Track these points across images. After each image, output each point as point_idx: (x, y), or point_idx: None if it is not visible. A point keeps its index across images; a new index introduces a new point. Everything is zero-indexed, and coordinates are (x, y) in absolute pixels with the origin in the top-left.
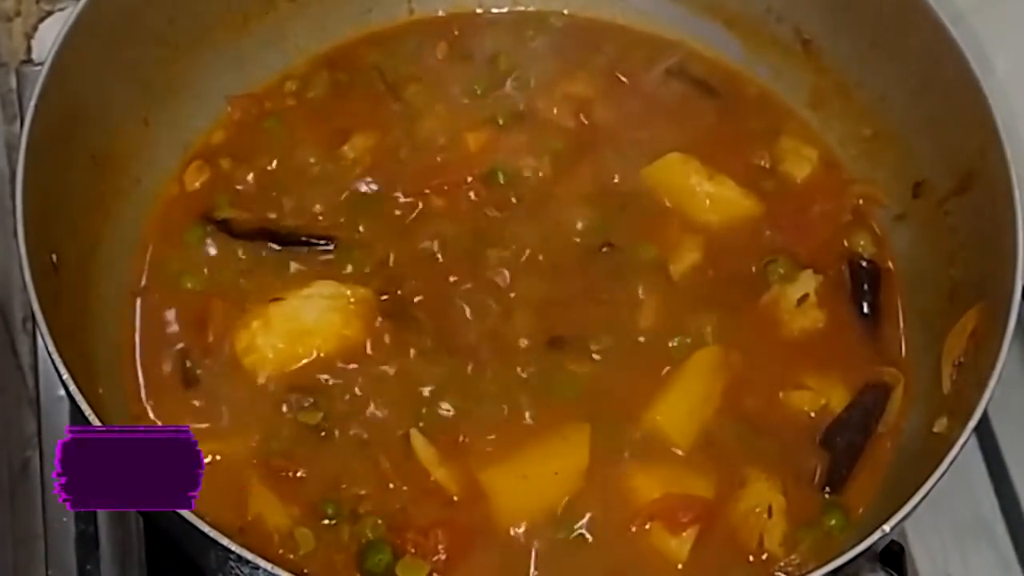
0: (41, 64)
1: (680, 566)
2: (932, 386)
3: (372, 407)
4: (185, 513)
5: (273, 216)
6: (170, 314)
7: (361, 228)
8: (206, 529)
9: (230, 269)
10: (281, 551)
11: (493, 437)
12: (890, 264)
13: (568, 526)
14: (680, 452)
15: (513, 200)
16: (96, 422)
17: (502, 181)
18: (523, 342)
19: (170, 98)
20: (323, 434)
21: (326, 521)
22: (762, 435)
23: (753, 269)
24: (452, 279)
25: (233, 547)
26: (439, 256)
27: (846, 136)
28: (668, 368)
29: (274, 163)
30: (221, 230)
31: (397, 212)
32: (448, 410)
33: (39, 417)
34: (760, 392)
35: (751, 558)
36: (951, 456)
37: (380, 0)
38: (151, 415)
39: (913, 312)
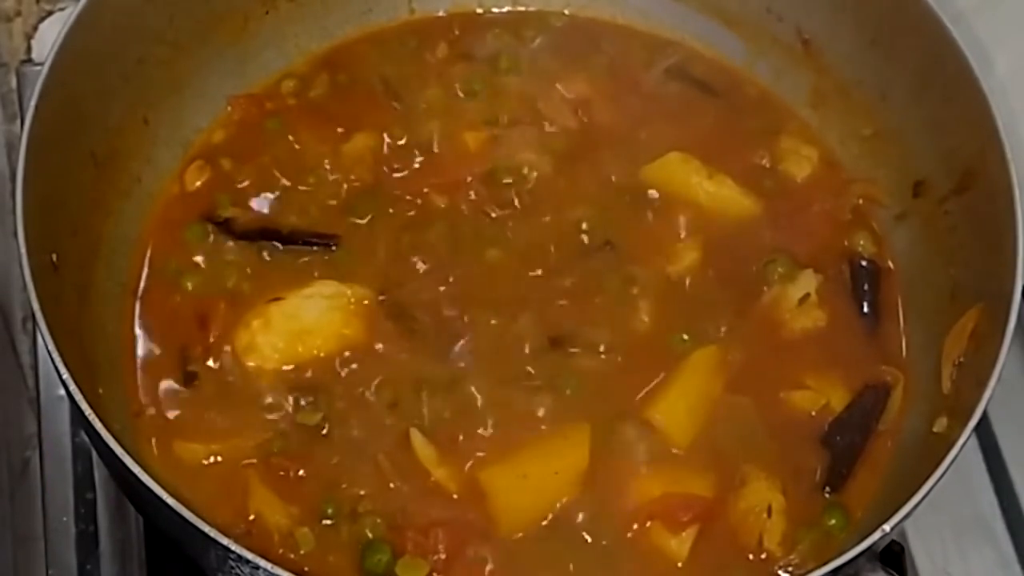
0: (41, 64)
1: (680, 565)
2: (932, 386)
3: (372, 407)
4: (186, 513)
5: (274, 216)
6: (170, 314)
7: (362, 228)
8: (206, 529)
9: (230, 269)
10: (281, 551)
11: (493, 437)
12: (890, 264)
13: (568, 526)
14: (680, 451)
15: (513, 200)
16: (96, 422)
17: (502, 181)
18: (523, 342)
19: (170, 98)
20: (323, 434)
21: (326, 521)
22: (762, 434)
23: (753, 269)
24: (452, 278)
25: (233, 547)
26: (439, 255)
27: (846, 136)
28: (668, 367)
29: (275, 163)
30: (222, 230)
31: (397, 212)
32: (448, 410)
33: (39, 417)
34: (760, 392)
35: (751, 557)
36: (951, 456)
37: (380, 0)
38: (151, 415)
39: (913, 312)
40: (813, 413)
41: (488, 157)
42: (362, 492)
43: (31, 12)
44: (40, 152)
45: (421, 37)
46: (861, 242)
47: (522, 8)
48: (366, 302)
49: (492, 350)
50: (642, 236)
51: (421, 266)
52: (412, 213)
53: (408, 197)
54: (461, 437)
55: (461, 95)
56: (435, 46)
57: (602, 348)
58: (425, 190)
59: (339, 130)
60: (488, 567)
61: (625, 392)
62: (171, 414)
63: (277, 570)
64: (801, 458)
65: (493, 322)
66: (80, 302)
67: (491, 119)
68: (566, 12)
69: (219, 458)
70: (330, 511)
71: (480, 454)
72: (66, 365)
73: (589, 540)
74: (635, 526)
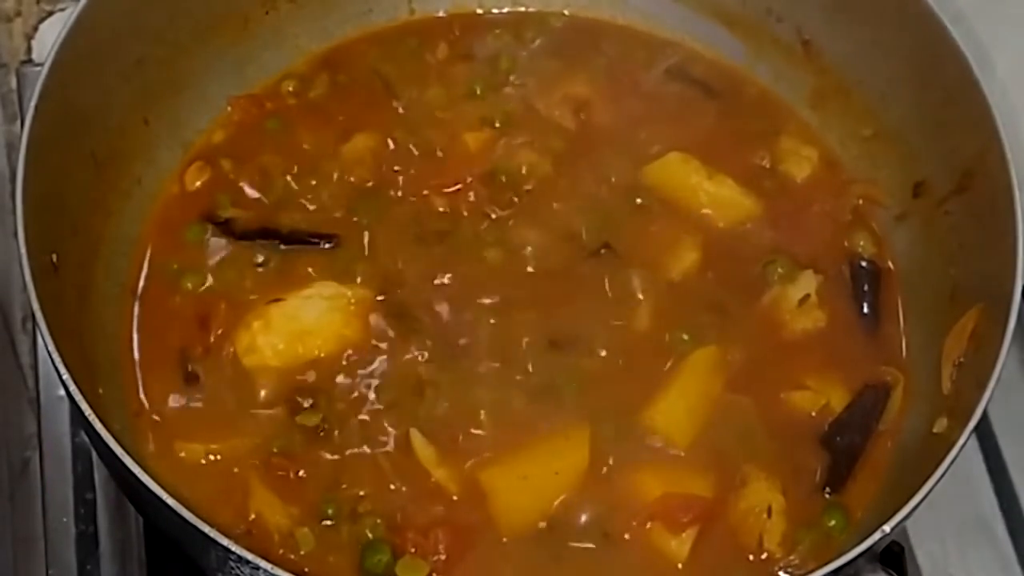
0: (41, 64)
1: (680, 566)
2: (932, 386)
3: (372, 407)
4: (186, 513)
5: (274, 216)
6: (170, 314)
7: (361, 228)
8: (206, 529)
9: (230, 269)
10: (281, 551)
11: (493, 437)
12: (890, 264)
13: (568, 526)
14: (680, 452)
15: (513, 200)
16: (96, 422)
17: (502, 181)
18: (523, 342)
19: (170, 98)
20: (323, 434)
21: (326, 521)
22: (762, 435)
23: (753, 269)
24: (452, 279)
25: (233, 547)
26: (439, 256)
27: (846, 136)
28: (668, 368)
29: (275, 163)
30: (222, 230)
31: (397, 212)
32: (448, 410)
33: (39, 417)
34: (760, 392)
35: (751, 558)
36: (951, 456)
37: (380, 0)
38: (151, 415)
39: (913, 312)
40: (813, 413)
41: (488, 157)
42: (362, 492)
43: (31, 12)
44: (40, 152)
45: (421, 37)
46: (861, 242)
47: (522, 8)
48: (366, 302)
49: (492, 350)
50: (642, 236)
51: (421, 266)
52: (412, 213)
53: (408, 197)
54: (461, 438)
55: (461, 95)
56: (435, 46)
57: (602, 348)
58: (425, 191)
59: (339, 130)
60: (488, 568)
61: (625, 392)
62: (171, 414)
63: (277, 570)
64: (801, 458)
65: (493, 322)
66: (80, 302)
67: (491, 119)
68: (566, 12)
69: (219, 458)
70: (330, 511)
71: (480, 455)
72: (66, 365)
73: (589, 541)
74: (635, 526)
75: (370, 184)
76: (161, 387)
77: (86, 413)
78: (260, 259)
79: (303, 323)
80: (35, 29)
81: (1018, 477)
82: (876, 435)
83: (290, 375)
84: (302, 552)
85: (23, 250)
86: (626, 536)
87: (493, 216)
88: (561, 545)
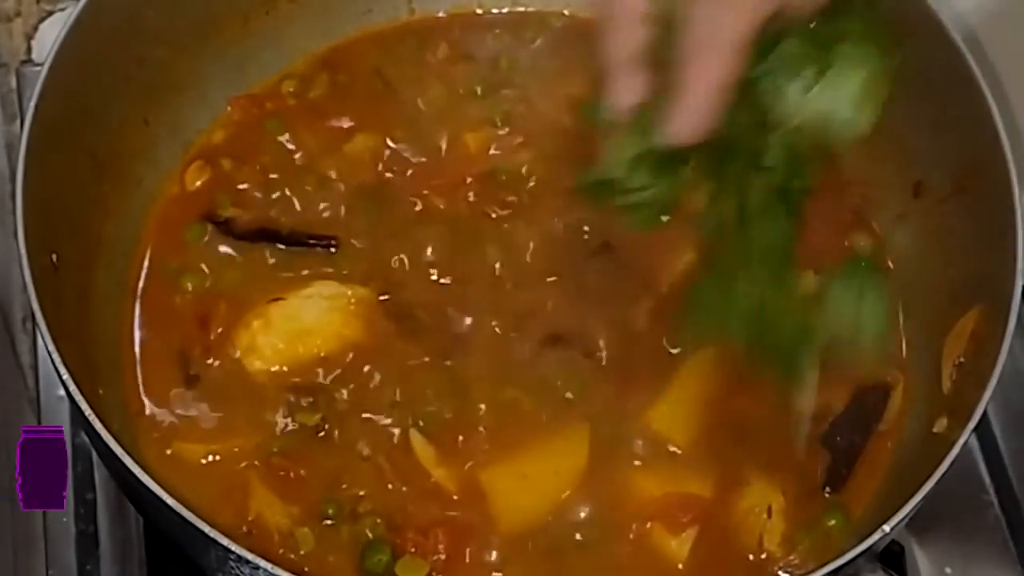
0: (41, 64)
1: (680, 566)
2: (932, 386)
3: (371, 407)
4: (186, 513)
5: (274, 216)
6: (170, 314)
7: (362, 228)
8: (206, 529)
9: (231, 269)
10: (281, 551)
11: (493, 437)
12: (890, 264)
13: (568, 526)
14: (679, 452)
15: (513, 200)
16: (96, 422)
17: (502, 181)
18: (523, 342)
19: (170, 98)
20: (322, 434)
21: (326, 521)
22: (762, 434)
23: None
24: (452, 279)
25: (233, 547)
26: (439, 256)
27: None
28: (668, 368)
29: (275, 163)
30: (222, 230)
31: (397, 212)
32: (448, 410)
33: (39, 417)
34: (760, 391)
35: (751, 558)
36: (951, 456)
37: (380, 0)
38: (151, 415)
39: (913, 312)
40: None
41: (488, 157)
42: (362, 492)
43: (31, 12)
44: (40, 152)
45: (421, 37)
46: (861, 242)
47: (522, 8)
48: (366, 302)
49: (492, 350)
50: (641, 236)
51: (421, 267)
52: (412, 213)
53: (408, 197)
54: (461, 437)
55: (461, 95)
56: (435, 46)
57: (602, 348)
58: (425, 191)
59: (339, 130)
60: (488, 567)
61: (625, 392)
62: (171, 414)
63: (277, 570)
64: (801, 458)
65: (493, 322)
66: (80, 302)
67: (491, 119)
68: (566, 12)
69: (219, 458)
70: (330, 511)
71: (480, 454)
72: (66, 365)
73: (589, 541)
74: (635, 526)
75: (370, 184)
76: (161, 387)
77: (86, 413)
78: (260, 259)
79: (303, 323)
80: (35, 29)
81: (1018, 476)
82: (876, 435)
83: (290, 375)
84: (302, 552)
85: (23, 250)
86: (626, 536)
87: (493, 216)
88: (560, 545)
